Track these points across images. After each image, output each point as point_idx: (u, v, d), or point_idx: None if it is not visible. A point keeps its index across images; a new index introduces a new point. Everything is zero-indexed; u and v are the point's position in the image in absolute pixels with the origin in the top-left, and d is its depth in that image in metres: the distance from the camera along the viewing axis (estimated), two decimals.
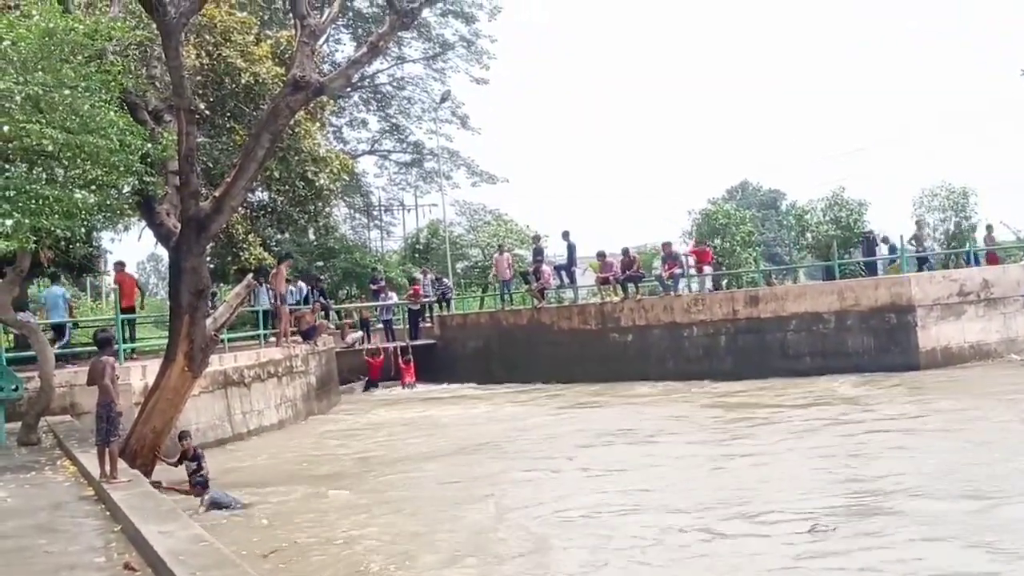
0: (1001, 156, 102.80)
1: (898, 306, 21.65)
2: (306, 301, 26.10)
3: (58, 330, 19.33)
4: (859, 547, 8.24)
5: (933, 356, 21.29)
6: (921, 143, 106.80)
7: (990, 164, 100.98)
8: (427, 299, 32.63)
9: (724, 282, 32.20)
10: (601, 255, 29.35)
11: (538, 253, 31.12)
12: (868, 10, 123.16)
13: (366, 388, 29.44)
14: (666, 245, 28.41)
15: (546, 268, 29.79)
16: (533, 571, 8.40)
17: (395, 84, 48.34)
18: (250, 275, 17.16)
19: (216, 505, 11.50)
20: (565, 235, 29.58)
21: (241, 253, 24.90)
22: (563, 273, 29.93)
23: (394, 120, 48.99)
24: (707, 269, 28.55)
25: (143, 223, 20.46)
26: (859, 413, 16.14)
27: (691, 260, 28.65)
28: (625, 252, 27.82)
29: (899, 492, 10.12)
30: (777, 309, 23.61)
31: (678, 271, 27.07)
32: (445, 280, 34.92)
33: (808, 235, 35.89)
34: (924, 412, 15.73)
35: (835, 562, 7.88)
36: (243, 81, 23.97)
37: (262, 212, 28.56)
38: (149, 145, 13.32)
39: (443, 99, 46.18)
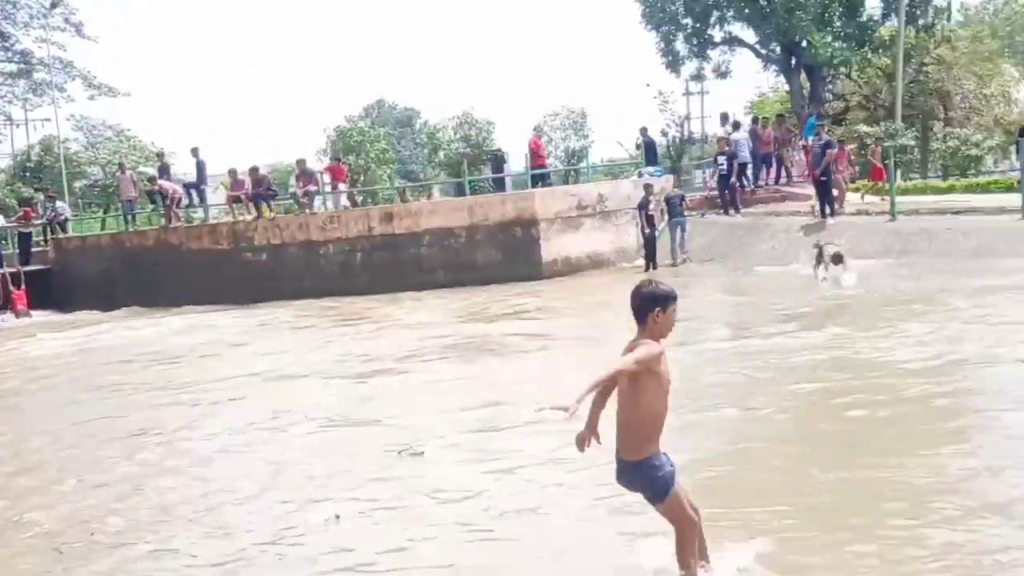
0: (613, 81, 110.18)
1: (523, 220, 22.67)
2: None
3: None
4: None
5: (555, 266, 22.52)
6: (545, 66, 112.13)
7: (604, 89, 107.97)
8: (41, 221, 30.13)
9: (360, 199, 32.25)
10: (232, 172, 28.28)
11: (163, 171, 29.54)
12: None
13: None
14: (300, 162, 27.81)
15: (171, 185, 28.34)
16: None
17: None
18: None
19: None
20: (194, 152, 28.23)
21: None
22: (193, 191, 28.65)
23: None
24: (342, 186, 28.38)
25: None
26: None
27: (326, 178, 28.35)
28: (254, 170, 26.94)
29: None
30: (411, 225, 23.93)
31: (313, 188, 26.70)
32: (59, 203, 32.17)
33: (440, 153, 36.77)
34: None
35: None
36: None
37: None
38: None
39: (54, 5, 42.29)
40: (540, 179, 26.27)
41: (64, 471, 8.89)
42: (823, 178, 21.22)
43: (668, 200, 22.52)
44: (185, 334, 19.04)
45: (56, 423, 11.09)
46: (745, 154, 24.39)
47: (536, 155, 26.30)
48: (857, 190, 23.97)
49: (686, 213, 22.62)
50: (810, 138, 24.04)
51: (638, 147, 28.18)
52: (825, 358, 10.52)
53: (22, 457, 9.68)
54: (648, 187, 22.42)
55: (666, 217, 22.48)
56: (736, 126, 26.12)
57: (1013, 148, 26.05)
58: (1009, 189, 21.49)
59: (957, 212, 19.99)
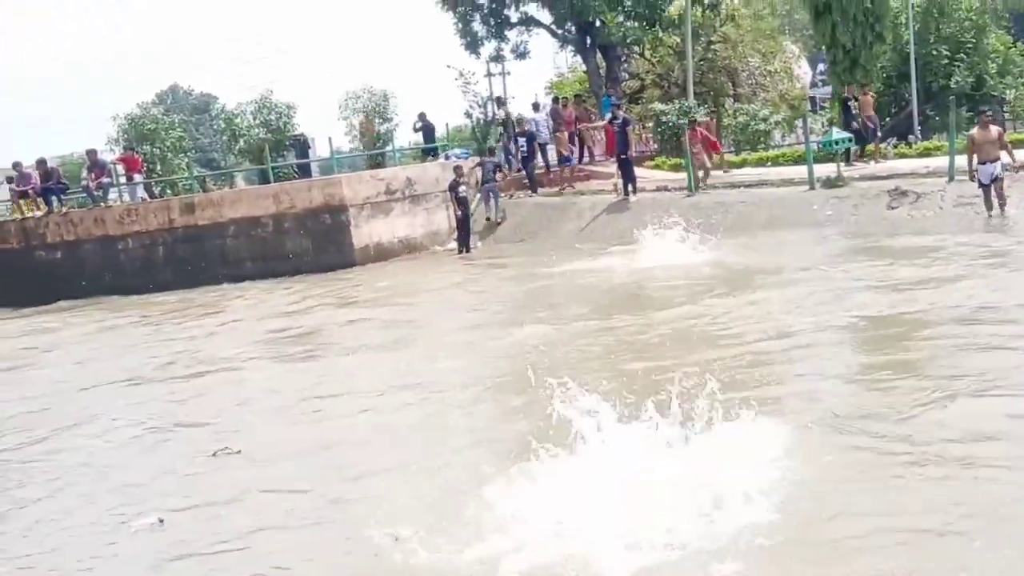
0: (416, 64, 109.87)
1: (332, 206, 22.43)
2: None
3: None
4: None
5: (367, 252, 22.41)
6: (344, 47, 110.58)
7: (408, 71, 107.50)
8: None
9: (158, 190, 31.06)
10: (16, 166, 26.76)
11: None
12: None
13: None
14: (91, 152, 26.63)
15: None
16: None
17: None
18: None
19: None
20: None
21: None
22: None
23: None
24: (138, 177, 27.30)
25: None
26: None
27: (120, 168, 27.20)
28: (42, 162, 25.69)
29: None
30: (215, 215, 23.31)
31: (106, 180, 25.63)
32: None
33: (240, 140, 35.69)
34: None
35: None
36: None
37: None
38: None
39: None
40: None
41: None
42: (623, 156, 21.92)
43: (482, 165, 23.02)
44: None
45: None
46: (545, 134, 24.89)
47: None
48: (658, 167, 24.82)
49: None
50: (607, 116, 24.69)
51: (416, 130, 28.42)
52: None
53: None
54: (457, 168, 22.63)
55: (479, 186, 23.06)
56: (536, 107, 26.65)
57: (799, 123, 27.48)
58: (796, 161, 22.69)
59: (750, 185, 21.04)
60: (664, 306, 12.62)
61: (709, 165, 22.21)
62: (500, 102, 28.26)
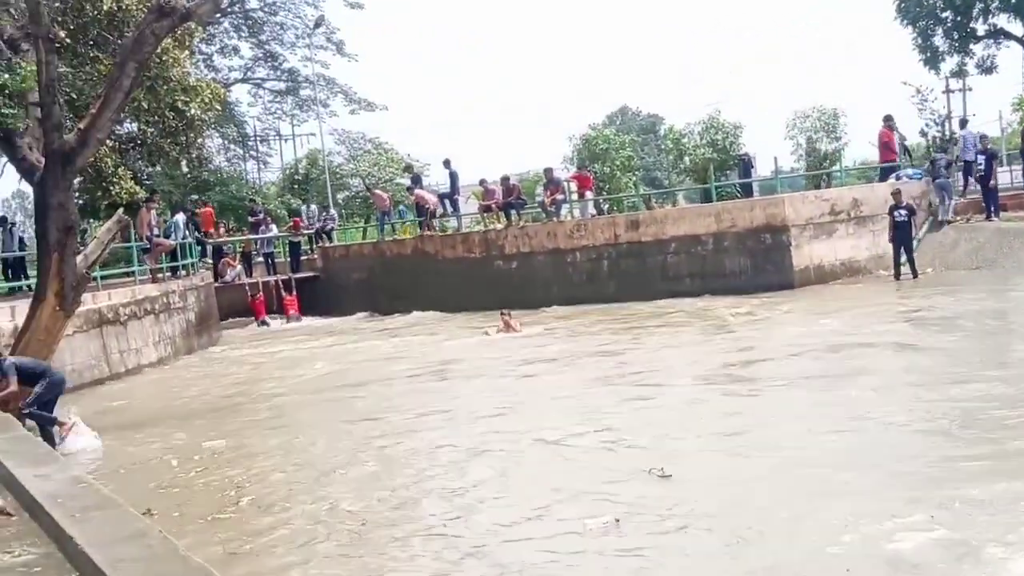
0: (869, 78, 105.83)
1: (773, 226, 22.20)
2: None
3: None
4: None
5: (807, 274, 21.93)
6: (794, 65, 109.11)
7: (859, 86, 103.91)
8: (309, 231, 32.30)
9: (606, 207, 32.57)
10: (483, 183, 29.33)
11: (416, 181, 31.06)
12: None
13: (261, 324, 28.85)
14: (548, 171, 28.49)
15: (428, 195, 29.66)
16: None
17: (267, 9, 46.75)
18: (120, 210, 16.67)
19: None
20: (446, 163, 29.40)
21: (111, 187, 24.17)
22: (446, 201, 29.84)
23: (267, 47, 47.56)
24: (588, 194, 28.84)
25: (4, 158, 19.59)
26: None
27: (573, 186, 28.87)
28: (505, 179, 27.89)
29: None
30: (657, 232, 23.96)
31: (560, 197, 27.26)
32: (331, 211, 34.81)
33: (686, 159, 36.50)
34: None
35: None
36: (105, 7, 22.92)
37: (132, 144, 27.58)
38: (6, 76, 12.69)
39: (317, 25, 44.95)
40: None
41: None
42: None
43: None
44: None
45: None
46: (970, 153, 23.28)
47: (887, 148, 25.28)
48: None
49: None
50: None
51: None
52: None
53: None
54: (895, 193, 21.40)
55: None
56: (963, 123, 24.97)
57: None
58: None
59: None
60: None
61: None
62: (963, 123, 26.41)
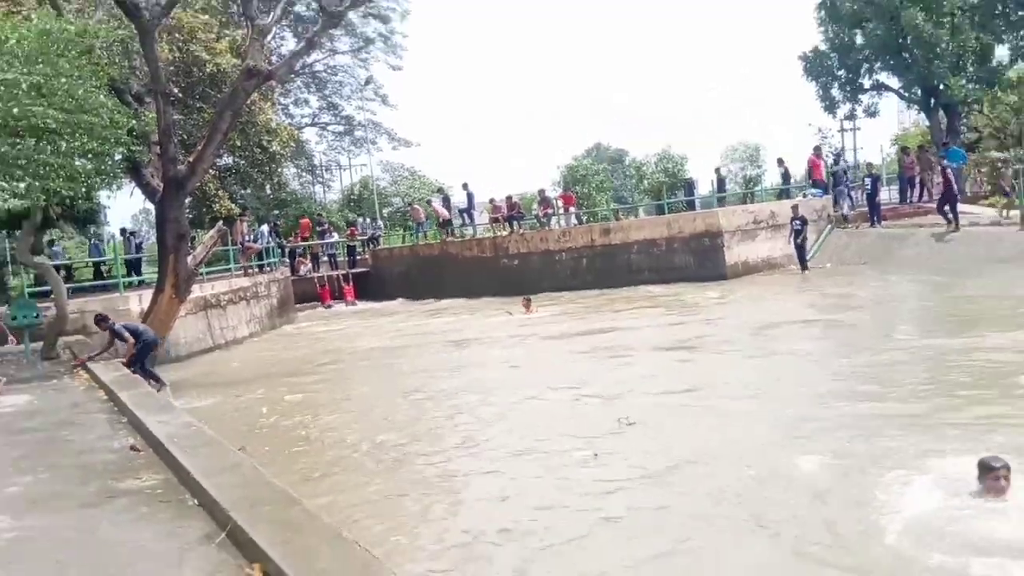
0: (783, 120, 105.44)
1: (711, 232, 22.16)
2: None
3: None
4: None
5: (736, 268, 21.89)
6: (725, 110, 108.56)
7: (775, 126, 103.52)
8: (362, 237, 32.25)
9: (585, 218, 32.51)
10: (492, 201, 29.42)
11: (445, 200, 31.00)
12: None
13: (326, 307, 28.75)
14: (541, 191, 28.66)
15: (441, 209, 29.75)
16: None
17: (329, 71, 46.30)
18: (220, 222, 16.70)
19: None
20: (465, 186, 29.40)
21: (213, 205, 24.33)
22: (465, 215, 29.83)
23: (329, 99, 47.06)
24: (572, 209, 28.84)
25: (133, 184, 19.56)
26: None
27: (560, 203, 28.86)
28: (509, 198, 28.05)
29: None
30: (624, 237, 23.92)
31: (550, 211, 27.35)
32: (379, 222, 34.77)
33: (645, 182, 36.47)
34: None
35: None
36: (208, 70, 23.04)
37: (228, 173, 27.64)
38: (134, 122, 12.66)
39: (367, 83, 44.67)
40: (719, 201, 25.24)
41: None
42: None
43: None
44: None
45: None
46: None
47: (815, 170, 24.74)
48: (992, 205, 21.99)
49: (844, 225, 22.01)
50: (956, 163, 21.91)
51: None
52: None
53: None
54: (794, 207, 21.50)
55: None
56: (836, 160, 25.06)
57: None
58: None
59: None
60: None
61: None
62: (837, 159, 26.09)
